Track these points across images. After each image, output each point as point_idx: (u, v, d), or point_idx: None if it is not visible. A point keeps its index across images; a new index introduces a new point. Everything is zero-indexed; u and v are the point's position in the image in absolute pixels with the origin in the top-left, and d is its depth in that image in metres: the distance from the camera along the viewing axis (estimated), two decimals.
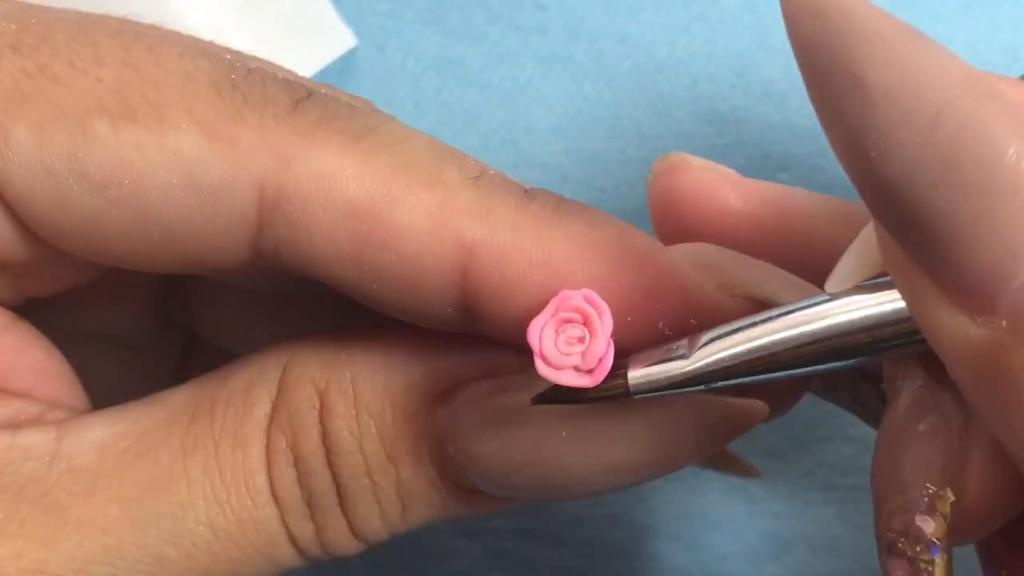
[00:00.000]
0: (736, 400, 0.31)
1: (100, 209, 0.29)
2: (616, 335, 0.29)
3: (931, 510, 0.28)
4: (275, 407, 0.31)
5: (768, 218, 0.32)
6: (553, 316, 0.29)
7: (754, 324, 0.29)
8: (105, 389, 0.34)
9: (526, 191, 0.30)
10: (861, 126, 0.24)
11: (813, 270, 0.32)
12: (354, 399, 0.31)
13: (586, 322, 0.29)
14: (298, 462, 0.31)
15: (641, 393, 0.29)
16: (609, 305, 0.29)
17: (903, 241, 0.25)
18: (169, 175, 0.29)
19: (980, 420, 0.28)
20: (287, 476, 0.31)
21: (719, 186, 0.33)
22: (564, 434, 0.30)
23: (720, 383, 0.29)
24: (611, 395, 0.29)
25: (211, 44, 0.31)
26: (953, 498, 0.28)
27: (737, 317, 0.30)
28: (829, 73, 0.24)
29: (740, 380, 0.29)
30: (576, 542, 0.41)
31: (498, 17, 0.44)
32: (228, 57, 0.31)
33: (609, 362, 0.29)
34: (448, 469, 0.31)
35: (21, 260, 0.31)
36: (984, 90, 0.24)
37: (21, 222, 0.30)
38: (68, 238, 0.30)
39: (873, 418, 0.34)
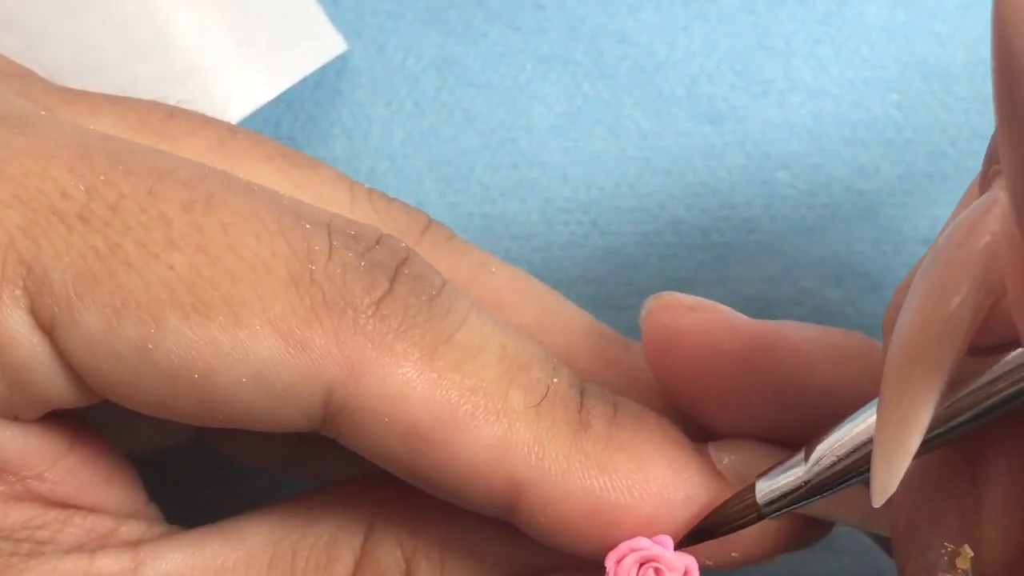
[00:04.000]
0: None
1: (166, 392, 0.30)
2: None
3: (951, 568, 0.28)
4: (359, 566, 0.32)
5: (761, 360, 0.32)
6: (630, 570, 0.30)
7: (863, 418, 0.29)
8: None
9: (580, 411, 0.31)
10: None
11: (808, 412, 0.32)
12: (441, 572, 0.32)
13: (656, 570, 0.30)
14: None
15: (773, 513, 0.30)
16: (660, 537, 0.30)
17: None
18: (239, 373, 0.29)
19: (988, 473, 0.28)
20: None
21: (711, 328, 0.32)
22: None
23: (845, 483, 0.29)
24: (745, 523, 0.30)
25: (287, 208, 0.31)
26: (972, 553, 0.28)
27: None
28: None
29: (862, 476, 0.29)
30: None
31: (497, 17, 0.44)
32: (307, 227, 0.30)
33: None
34: None
35: (81, 406, 0.31)
36: None
37: (86, 385, 0.30)
38: (131, 404, 0.30)
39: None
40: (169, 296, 0.29)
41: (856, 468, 0.29)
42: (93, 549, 0.31)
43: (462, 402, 0.30)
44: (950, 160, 0.43)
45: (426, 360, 0.30)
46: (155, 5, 0.39)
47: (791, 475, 0.30)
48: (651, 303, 0.33)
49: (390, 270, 0.30)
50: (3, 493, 0.31)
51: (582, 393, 0.31)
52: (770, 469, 0.30)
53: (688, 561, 0.30)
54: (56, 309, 0.29)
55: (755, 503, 0.30)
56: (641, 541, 0.30)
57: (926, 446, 0.28)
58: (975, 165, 0.43)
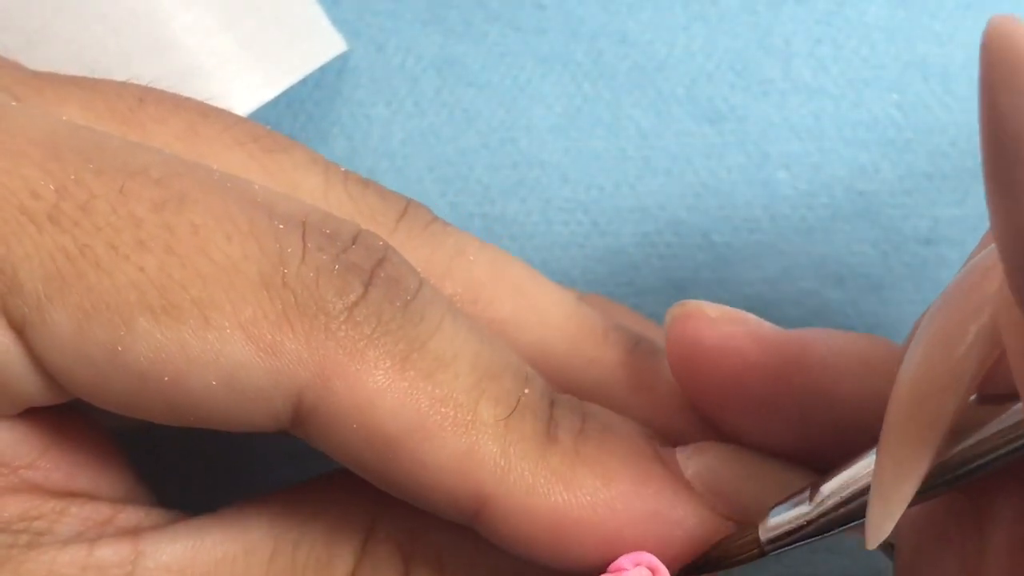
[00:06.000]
0: None
1: (136, 393, 0.30)
2: None
3: None
4: (358, 564, 0.32)
5: (787, 373, 0.32)
6: None
7: (870, 459, 0.29)
8: None
9: (549, 423, 0.31)
10: None
11: (836, 423, 0.31)
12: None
13: None
14: None
15: (776, 550, 0.30)
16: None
17: None
18: (209, 377, 0.29)
19: (993, 521, 0.28)
20: None
21: (736, 339, 0.32)
22: None
23: (849, 524, 0.29)
24: (746, 559, 0.30)
25: (261, 205, 0.31)
26: None
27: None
28: (1019, 147, 0.22)
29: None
30: None
31: (498, 17, 0.44)
32: (280, 227, 0.30)
33: None
34: None
35: (56, 403, 0.31)
36: None
37: (59, 385, 0.30)
38: (102, 404, 0.30)
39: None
40: (139, 298, 0.29)
41: (861, 509, 0.28)
42: (92, 538, 0.31)
43: (431, 413, 0.30)
44: (950, 160, 0.43)
45: (397, 368, 0.30)
46: (155, 5, 0.39)
47: (794, 513, 0.30)
48: (675, 311, 0.33)
49: (365, 273, 0.30)
50: None
51: (552, 404, 0.31)
52: (777, 504, 0.30)
53: None
54: (26, 310, 0.29)
55: (757, 539, 0.30)
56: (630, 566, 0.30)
57: (928, 493, 0.27)
58: (975, 165, 0.43)
